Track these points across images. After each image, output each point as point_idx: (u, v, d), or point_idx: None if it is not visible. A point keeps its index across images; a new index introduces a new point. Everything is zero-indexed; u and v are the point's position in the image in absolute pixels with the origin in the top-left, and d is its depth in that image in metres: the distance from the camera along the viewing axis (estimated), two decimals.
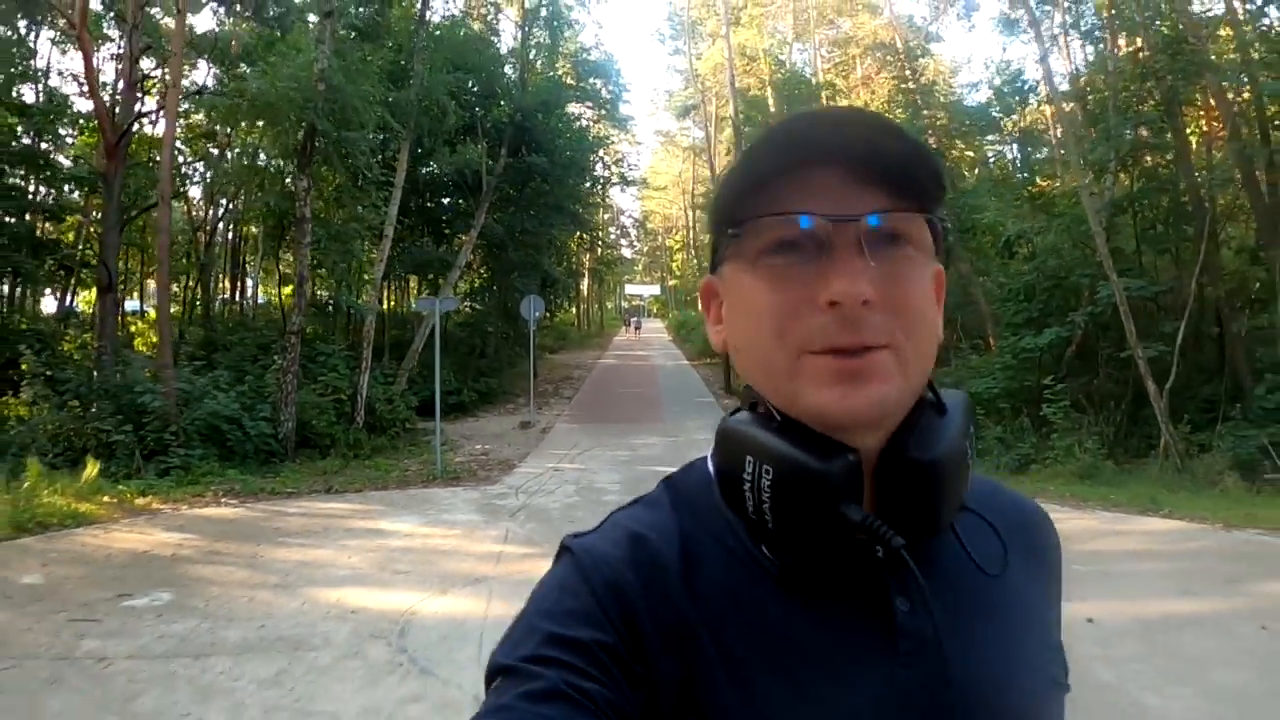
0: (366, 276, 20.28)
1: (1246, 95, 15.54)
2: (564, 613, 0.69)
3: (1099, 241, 15.01)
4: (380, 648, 5.48)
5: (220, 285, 26.43)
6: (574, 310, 49.95)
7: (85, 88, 17.83)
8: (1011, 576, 0.79)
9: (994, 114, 24.78)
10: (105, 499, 9.95)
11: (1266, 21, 16.00)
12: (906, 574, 0.70)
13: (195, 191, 24.62)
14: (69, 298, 21.85)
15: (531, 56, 25.78)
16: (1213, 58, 15.66)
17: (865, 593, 0.74)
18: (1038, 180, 23.55)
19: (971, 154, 27.75)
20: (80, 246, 21.01)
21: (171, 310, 16.22)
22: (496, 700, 0.64)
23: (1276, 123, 15.42)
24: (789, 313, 0.70)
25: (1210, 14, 16.82)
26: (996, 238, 19.67)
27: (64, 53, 20.95)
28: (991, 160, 27.66)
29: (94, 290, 19.55)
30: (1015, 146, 27.15)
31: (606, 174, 33.51)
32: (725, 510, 0.75)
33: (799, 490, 0.69)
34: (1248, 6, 16.13)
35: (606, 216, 47.94)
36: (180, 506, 10.22)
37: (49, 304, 22.60)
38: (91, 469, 10.59)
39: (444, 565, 7.59)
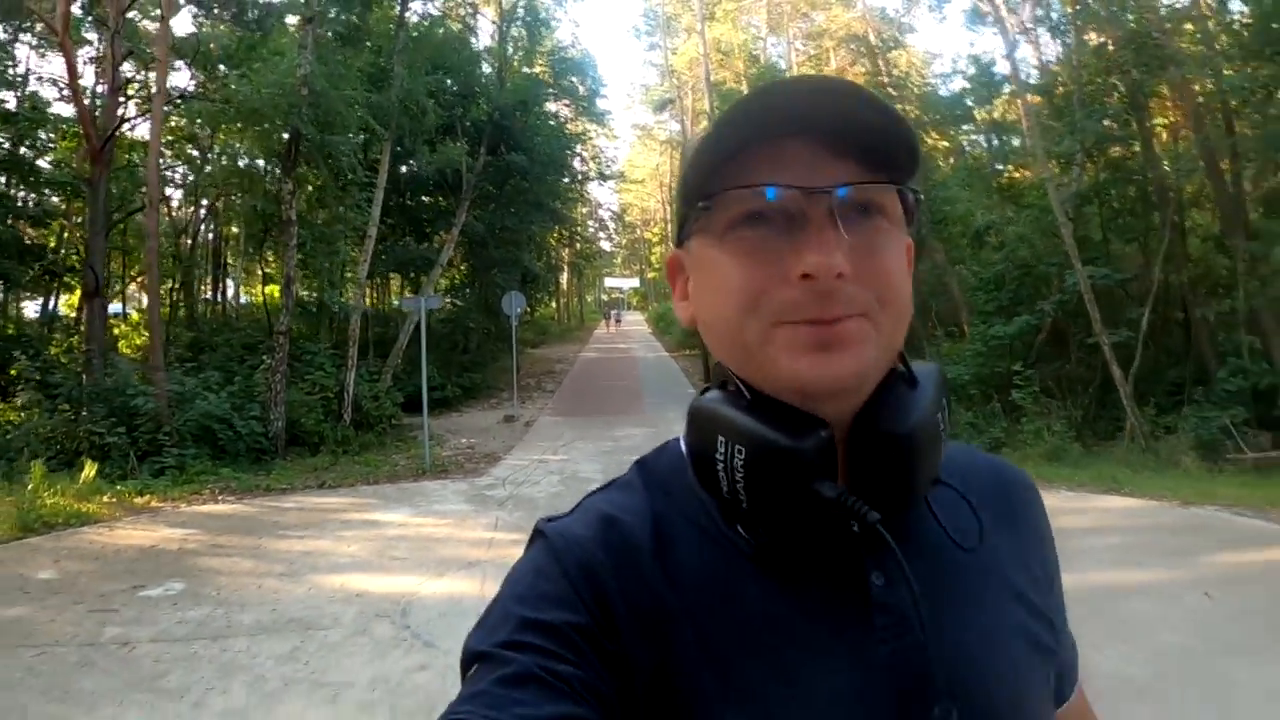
0: (349, 275, 20.54)
1: (1211, 86, 15.85)
2: (537, 596, 0.70)
3: (1064, 231, 15.46)
4: (385, 625, 5.89)
5: (202, 287, 26.57)
6: (554, 304, 50.27)
7: (66, 93, 17.99)
8: (990, 548, 0.78)
9: (968, 104, 25.17)
10: (105, 499, 10.22)
11: (1231, 16, 16.46)
12: (883, 549, 0.69)
13: (175, 193, 24.76)
14: (51, 302, 21.98)
15: (510, 54, 26.01)
16: (1180, 47, 16.00)
17: (841, 569, 0.74)
18: (1009, 171, 23.97)
19: (946, 144, 28.12)
20: (63, 251, 21.12)
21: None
22: (472, 687, 0.65)
23: (1243, 113, 15.81)
24: (761, 287, 0.70)
25: (1177, 6, 17.24)
26: (968, 228, 20.07)
27: (42, 56, 20.98)
28: (967, 149, 27.98)
29: (76, 294, 19.74)
30: (990, 136, 27.43)
31: (584, 169, 33.81)
32: (699, 490, 0.76)
33: (772, 469, 0.69)
34: (1209, 1, 16.59)
35: (585, 210, 48.20)
36: (179, 504, 10.53)
37: (28, 308, 22.69)
38: (89, 470, 10.88)
39: (439, 551, 7.97)
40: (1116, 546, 7.72)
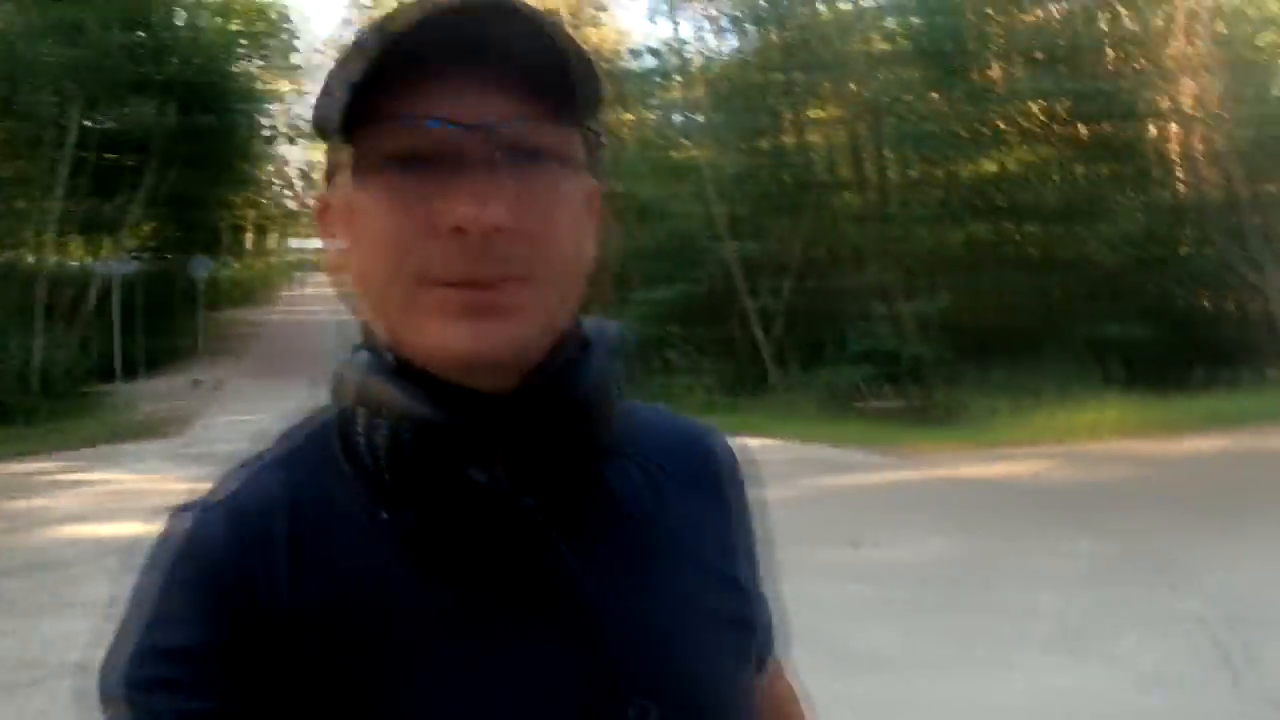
0: (37, 235, 19.73)
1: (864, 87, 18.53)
2: (165, 618, 0.61)
3: (716, 210, 17.86)
4: (113, 560, 6.61)
5: None
6: (241, 267, 48.58)
7: None
8: (677, 518, 0.73)
9: (656, 81, 27.24)
10: None
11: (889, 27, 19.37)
12: (551, 530, 0.63)
13: None
14: None
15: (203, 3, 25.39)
16: (840, 51, 18.49)
17: (505, 550, 0.64)
18: (686, 148, 26.28)
19: (631, 116, 29.84)
20: None
21: None
22: None
23: (893, 112, 18.54)
24: (407, 239, 0.59)
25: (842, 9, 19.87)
26: (634, 201, 22.10)
27: None
28: (652, 124, 29.70)
29: None
30: (669, 115, 29.07)
31: (274, 128, 33.18)
32: (344, 465, 0.65)
33: (418, 448, 0.60)
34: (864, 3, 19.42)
35: (271, 169, 46.75)
36: None
37: None
38: None
39: (149, 501, 8.49)
40: None
